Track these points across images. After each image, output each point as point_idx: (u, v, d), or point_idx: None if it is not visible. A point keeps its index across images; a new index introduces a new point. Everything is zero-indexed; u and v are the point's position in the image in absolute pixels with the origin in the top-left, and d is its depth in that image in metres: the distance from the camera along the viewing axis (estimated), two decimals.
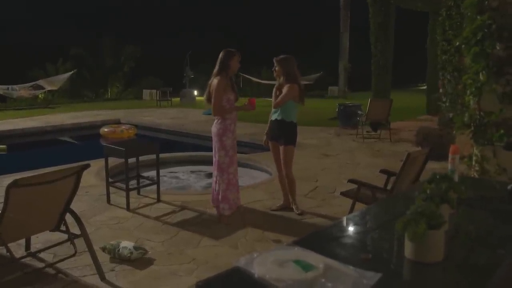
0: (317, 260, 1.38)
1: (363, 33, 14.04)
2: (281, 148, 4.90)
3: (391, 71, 13.52)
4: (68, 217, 3.47)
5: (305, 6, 34.17)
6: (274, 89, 4.95)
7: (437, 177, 1.80)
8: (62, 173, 3.25)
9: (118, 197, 5.32)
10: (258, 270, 1.33)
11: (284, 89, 4.78)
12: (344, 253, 1.57)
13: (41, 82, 17.39)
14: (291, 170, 4.97)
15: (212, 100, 4.57)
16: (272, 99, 4.95)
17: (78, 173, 3.34)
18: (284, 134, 4.88)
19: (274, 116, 4.95)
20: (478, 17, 3.76)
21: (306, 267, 1.33)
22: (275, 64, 4.88)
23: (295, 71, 4.87)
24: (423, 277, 1.42)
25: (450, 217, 1.72)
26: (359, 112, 10.71)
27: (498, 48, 3.71)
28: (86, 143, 12.00)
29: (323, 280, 1.28)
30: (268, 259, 1.39)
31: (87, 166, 3.41)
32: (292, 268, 1.33)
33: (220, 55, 4.63)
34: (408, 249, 1.48)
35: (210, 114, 5.80)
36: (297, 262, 1.36)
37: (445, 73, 7.71)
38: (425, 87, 16.52)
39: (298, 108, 4.95)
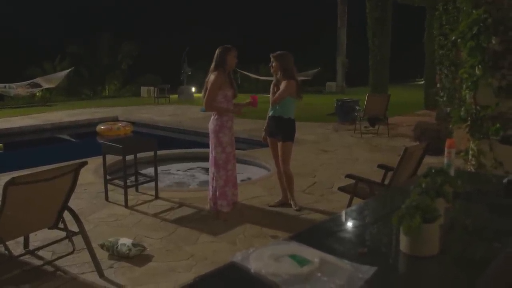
0: (313, 254, 1.39)
1: (361, 28, 14.03)
2: (279, 144, 4.91)
3: (388, 66, 13.54)
4: (66, 215, 3.48)
5: (303, 2, 34.07)
6: (272, 86, 4.95)
7: (433, 171, 1.80)
8: (59, 170, 3.25)
9: (116, 194, 5.32)
10: (254, 265, 1.34)
11: (282, 86, 4.78)
12: (341, 248, 1.57)
13: (38, 80, 17.33)
14: (289, 166, 4.97)
15: (206, 94, 4.57)
16: (270, 96, 4.95)
17: (76, 171, 3.35)
18: (282, 130, 4.88)
19: (271, 113, 4.95)
20: (474, 11, 3.76)
21: (302, 261, 1.33)
22: (272, 60, 4.88)
23: (292, 67, 4.86)
24: (418, 271, 1.43)
25: (446, 211, 1.73)
26: (357, 107, 10.72)
27: (493, 42, 3.72)
28: (84, 141, 11.98)
29: (318, 274, 1.29)
30: (264, 254, 1.39)
31: (85, 163, 3.41)
32: (288, 263, 1.34)
33: (217, 51, 4.62)
34: (404, 243, 1.49)
35: None
36: (293, 256, 1.36)
37: (442, 67, 7.74)
38: (423, 82, 16.54)
39: (296, 104, 4.95)
